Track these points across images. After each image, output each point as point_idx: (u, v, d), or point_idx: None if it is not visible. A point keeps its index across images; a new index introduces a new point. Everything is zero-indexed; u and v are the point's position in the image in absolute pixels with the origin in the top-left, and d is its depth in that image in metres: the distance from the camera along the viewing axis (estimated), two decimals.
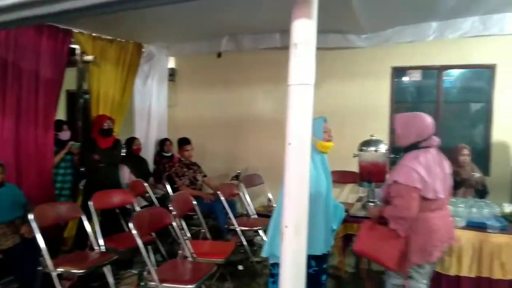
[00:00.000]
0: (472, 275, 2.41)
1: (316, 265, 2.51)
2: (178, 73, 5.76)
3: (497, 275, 2.35)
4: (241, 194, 4.33)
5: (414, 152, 2.18)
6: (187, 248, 2.96)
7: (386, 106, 4.64)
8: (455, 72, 4.59)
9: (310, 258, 2.49)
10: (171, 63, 5.71)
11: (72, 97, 4.67)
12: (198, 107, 5.61)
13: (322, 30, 4.17)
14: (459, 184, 3.56)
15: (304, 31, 1.41)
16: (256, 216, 4.25)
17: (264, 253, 2.43)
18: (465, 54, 4.28)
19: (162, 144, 5.16)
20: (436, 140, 2.20)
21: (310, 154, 2.48)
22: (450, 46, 4.27)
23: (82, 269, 2.74)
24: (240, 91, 5.36)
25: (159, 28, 4.28)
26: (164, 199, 4.25)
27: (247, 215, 4.30)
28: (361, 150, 2.88)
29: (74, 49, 4.23)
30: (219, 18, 3.87)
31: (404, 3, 3.45)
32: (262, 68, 5.08)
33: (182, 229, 3.14)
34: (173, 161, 4.88)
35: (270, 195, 4.58)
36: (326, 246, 2.50)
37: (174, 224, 2.99)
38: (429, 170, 2.11)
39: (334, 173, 4.75)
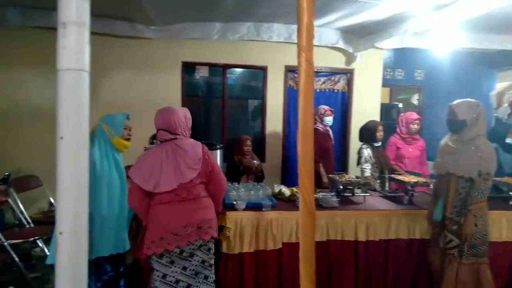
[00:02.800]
0: (252, 250, 2.75)
1: (112, 270, 2.37)
2: None
3: (270, 246, 2.76)
4: (10, 201, 3.58)
5: (152, 147, 2.36)
6: None
7: (178, 100, 4.75)
8: (237, 71, 5.13)
9: (105, 263, 2.32)
10: None
11: None
12: None
13: (108, 15, 3.93)
14: (243, 171, 4.01)
15: (74, 9, 1.23)
16: (32, 225, 3.62)
17: (49, 260, 2.27)
18: (244, 55, 4.84)
19: None
20: (164, 135, 2.24)
21: (106, 151, 2.32)
22: (232, 47, 4.74)
23: None
24: (4, 75, 4.40)
25: None
26: None
27: (20, 225, 3.61)
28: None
29: None
30: None
31: (187, 1, 3.58)
32: (35, 49, 4.29)
33: None
34: None
35: (51, 199, 3.99)
36: (117, 247, 2.38)
37: None
38: (155, 164, 2.16)
39: (126, 169, 4.56)
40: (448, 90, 7.01)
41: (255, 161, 4.10)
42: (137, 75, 4.64)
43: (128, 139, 2.44)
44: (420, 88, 7.19)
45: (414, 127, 3.95)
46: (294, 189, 3.30)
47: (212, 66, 4.90)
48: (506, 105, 7.02)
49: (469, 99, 2.57)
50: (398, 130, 4.07)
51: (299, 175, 1.46)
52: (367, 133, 3.86)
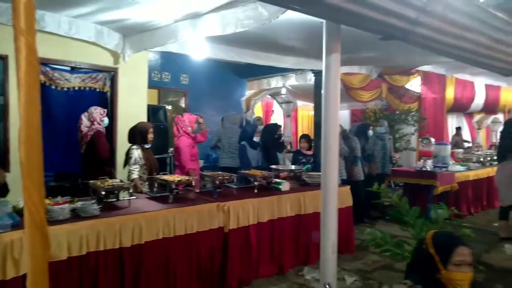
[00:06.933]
0: None
1: None
2: None
3: (11, 274, 2.24)
4: None
5: None
6: None
7: None
8: None
9: None
10: None
11: None
12: None
13: None
14: None
15: None
16: None
17: None
18: None
19: None
20: None
21: None
22: None
23: None
24: None
25: None
26: None
27: None
28: None
29: None
30: None
31: None
32: None
33: None
34: None
35: None
36: None
37: None
38: None
39: None
40: (209, 94, 7.76)
41: None
42: None
43: None
44: (186, 92, 7.67)
45: (195, 126, 4.52)
46: (47, 200, 2.84)
47: None
48: (251, 110, 8.41)
49: None
50: (184, 131, 4.46)
51: (23, 187, 1.20)
52: (138, 135, 3.82)
